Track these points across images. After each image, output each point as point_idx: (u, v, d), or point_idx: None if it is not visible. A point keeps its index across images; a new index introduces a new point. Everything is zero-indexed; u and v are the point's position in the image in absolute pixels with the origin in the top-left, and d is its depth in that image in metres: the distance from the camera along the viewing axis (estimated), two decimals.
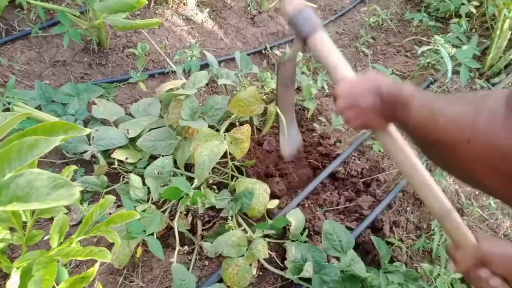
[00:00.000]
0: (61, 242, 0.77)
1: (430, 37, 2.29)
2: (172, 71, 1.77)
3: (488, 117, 0.46)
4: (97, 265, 0.69)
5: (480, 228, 1.58)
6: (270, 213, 1.33)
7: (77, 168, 1.02)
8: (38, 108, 1.47)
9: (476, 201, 1.64)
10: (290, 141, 1.16)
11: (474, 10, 2.18)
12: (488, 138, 0.46)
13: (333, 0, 2.52)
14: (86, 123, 1.50)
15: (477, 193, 1.68)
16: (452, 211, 0.68)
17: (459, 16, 2.18)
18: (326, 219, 1.34)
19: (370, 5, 2.44)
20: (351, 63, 2.11)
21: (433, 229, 1.39)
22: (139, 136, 1.34)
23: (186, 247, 1.12)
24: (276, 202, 1.32)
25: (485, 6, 2.13)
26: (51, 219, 1.06)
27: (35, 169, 0.52)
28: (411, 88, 0.61)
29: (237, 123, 1.48)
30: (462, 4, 2.20)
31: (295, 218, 1.19)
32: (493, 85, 1.96)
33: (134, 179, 1.09)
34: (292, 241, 1.20)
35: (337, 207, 1.41)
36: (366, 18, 2.35)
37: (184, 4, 2.03)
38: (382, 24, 2.33)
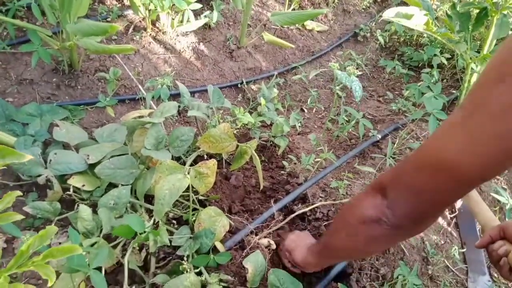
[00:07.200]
0: None
1: (403, 84, 2.36)
2: (143, 98, 1.73)
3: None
4: None
5: (445, 278, 1.55)
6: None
7: (22, 194, 0.93)
8: None
9: (442, 250, 1.63)
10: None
11: (445, 62, 2.28)
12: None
13: (311, 42, 2.58)
14: (46, 145, 1.43)
15: (442, 242, 1.67)
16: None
17: (432, 66, 2.26)
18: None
19: (346, 49, 2.52)
20: (325, 104, 2.13)
21: (397, 277, 1.35)
22: (99, 162, 1.28)
23: (134, 286, 1.04)
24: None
25: (455, 59, 2.22)
26: None
27: None
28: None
29: (205, 156, 1.44)
30: (435, 55, 2.29)
31: (253, 263, 1.09)
32: None
33: (83, 210, 1.02)
34: None
35: None
36: (342, 62, 2.41)
37: (163, 33, 2.02)
38: (356, 69, 2.40)
